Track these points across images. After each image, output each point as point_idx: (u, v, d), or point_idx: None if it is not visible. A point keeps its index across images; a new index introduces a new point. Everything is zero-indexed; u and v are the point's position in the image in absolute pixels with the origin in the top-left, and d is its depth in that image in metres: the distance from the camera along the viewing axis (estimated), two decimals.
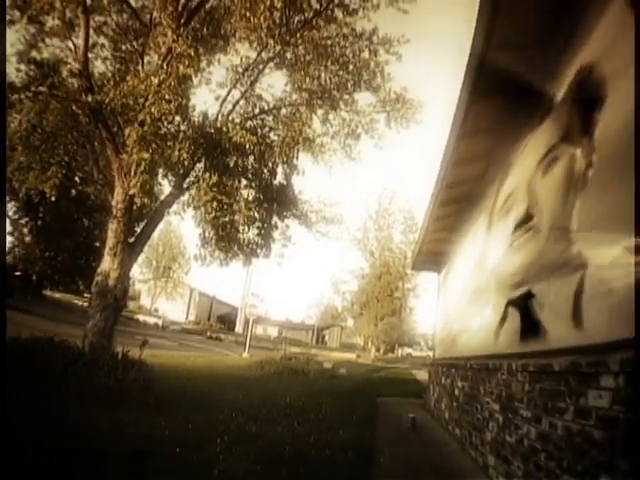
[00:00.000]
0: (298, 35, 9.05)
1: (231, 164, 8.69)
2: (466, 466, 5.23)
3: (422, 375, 17.91)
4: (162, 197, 10.27)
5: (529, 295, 4.22)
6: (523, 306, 4.42)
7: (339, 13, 9.47)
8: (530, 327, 4.24)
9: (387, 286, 46.50)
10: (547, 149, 4.10)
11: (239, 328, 55.02)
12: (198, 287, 62.55)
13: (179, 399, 7.37)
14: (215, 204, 8.54)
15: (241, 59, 10.11)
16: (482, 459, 4.97)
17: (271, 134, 9.96)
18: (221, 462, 4.29)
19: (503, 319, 5.24)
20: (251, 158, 9.26)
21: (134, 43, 10.02)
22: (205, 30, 8.84)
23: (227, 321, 61.37)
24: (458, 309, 8.39)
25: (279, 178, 10.42)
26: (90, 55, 9.52)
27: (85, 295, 32.16)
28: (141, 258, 43.09)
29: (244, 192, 10.07)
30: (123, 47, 10.48)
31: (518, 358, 4.34)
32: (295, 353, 22.88)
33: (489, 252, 6.07)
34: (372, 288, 46.24)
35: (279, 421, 6.78)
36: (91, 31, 9.27)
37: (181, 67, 7.67)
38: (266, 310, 60.99)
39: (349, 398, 10.72)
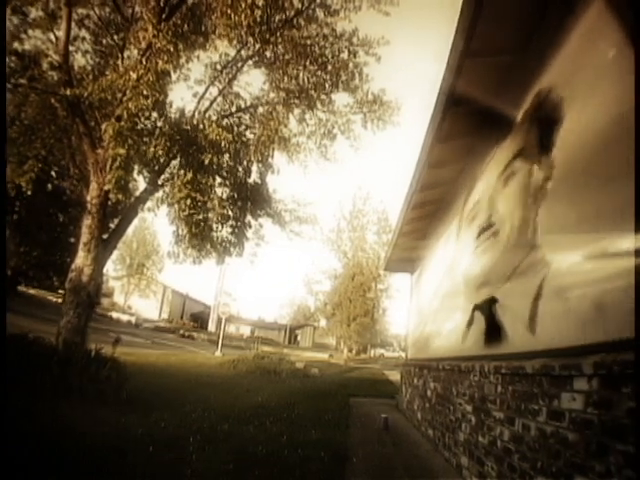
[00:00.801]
0: (278, 34, 9.06)
1: (206, 161, 8.64)
2: (439, 466, 5.28)
3: (394, 376, 18.04)
4: (137, 193, 10.17)
5: (493, 300, 4.32)
6: (488, 310, 4.52)
7: (320, 13, 9.53)
8: (495, 330, 4.37)
9: (360, 287, 46.55)
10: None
11: (212, 327, 54.67)
12: (171, 285, 62.14)
13: (152, 397, 7.36)
14: (189, 201, 8.51)
15: (220, 56, 10.10)
16: (455, 460, 5.03)
17: (247, 132, 9.97)
18: (194, 461, 4.29)
19: (470, 322, 5.35)
20: (226, 156, 9.25)
21: (115, 37, 9.88)
22: (186, 26, 8.74)
23: (200, 319, 60.89)
24: (430, 311, 8.47)
25: (254, 177, 10.43)
26: (71, 48, 9.41)
27: (59, 291, 31.59)
28: (115, 255, 42.87)
29: (218, 190, 10.06)
30: (104, 41, 10.32)
31: (490, 360, 4.40)
32: (267, 352, 22.72)
33: (459, 256, 6.17)
34: (345, 288, 46.22)
35: (251, 420, 6.80)
36: (73, 24, 9.15)
37: (160, 63, 7.60)
38: (239, 309, 60.93)
39: (322, 398, 10.78)
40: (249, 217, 10.58)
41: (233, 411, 7.32)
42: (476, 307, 5.03)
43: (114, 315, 41.80)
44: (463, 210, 5.99)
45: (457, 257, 6.23)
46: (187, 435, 5.20)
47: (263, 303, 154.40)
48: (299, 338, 67.18)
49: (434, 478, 4.92)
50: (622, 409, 2.06)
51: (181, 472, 3.97)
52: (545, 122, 3.48)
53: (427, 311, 8.81)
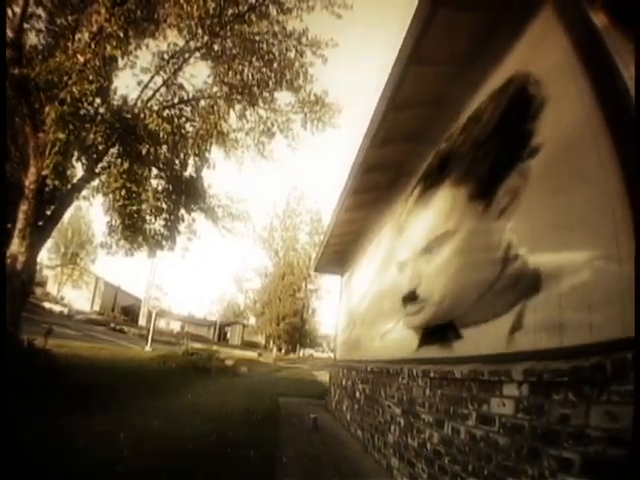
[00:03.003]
0: (228, 28, 8.98)
1: (144, 152, 8.46)
2: (370, 467, 5.34)
3: (324, 376, 18.18)
4: (74, 180, 9.69)
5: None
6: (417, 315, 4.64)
7: (273, 10, 9.51)
8: (425, 336, 4.50)
9: (290, 286, 46.70)
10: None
11: (142, 321, 52.84)
12: (104, 277, 59.53)
13: (85, 392, 7.15)
14: (124, 192, 8.40)
15: (168, 46, 9.86)
16: (385, 461, 5.11)
17: (187, 125, 9.83)
18: (125, 458, 4.24)
19: (399, 326, 5.48)
20: (164, 147, 9.10)
21: (69, 18, 9.34)
22: (139, 12, 8.41)
23: (131, 313, 58.60)
24: (359, 313, 8.59)
25: (190, 170, 10.29)
26: (25, 26, 8.81)
27: None
28: (49, 243, 40.77)
29: (154, 182, 9.96)
30: (58, 21, 9.72)
31: (418, 364, 4.51)
32: (197, 349, 22.37)
33: (394, 262, 6.22)
34: (275, 287, 46.21)
35: (181, 418, 6.75)
36: (31, 1, 8.58)
37: (109, 48, 7.40)
38: (169, 304, 59.37)
39: (251, 397, 10.73)
40: (182, 211, 10.44)
41: (163, 408, 7.25)
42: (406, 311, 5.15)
43: (47, 305, 39.65)
44: (402, 218, 6.02)
45: (392, 263, 6.31)
46: (119, 432, 5.12)
47: (194, 299, 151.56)
48: (229, 335, 66.15)
49: (365, 478, 4.98)
50: (554, 415, 2.16)
51: (113, 469, 3.91)
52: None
53: (356, 313, 8.93)
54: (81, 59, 7.18)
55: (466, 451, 3.10)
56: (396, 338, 5.66)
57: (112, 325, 41.96)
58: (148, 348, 23.88)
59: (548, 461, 2.14)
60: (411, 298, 4.95)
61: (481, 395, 3.05)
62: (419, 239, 4.92)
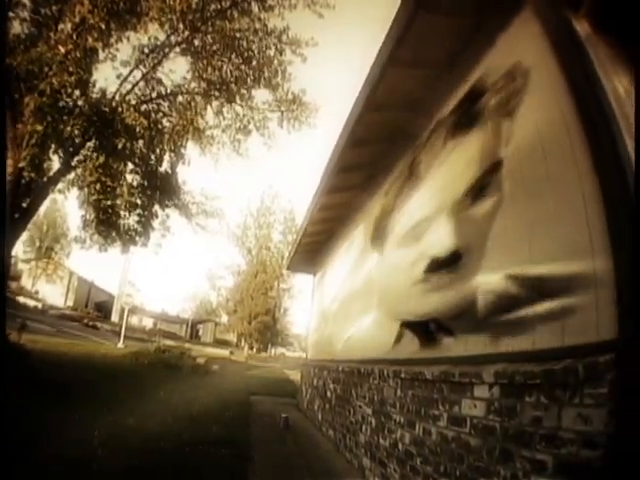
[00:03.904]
0: (210, 23, 8.97)
1: (120, 146, 8.41)
2: (342, 467, 5.34)
3: (295, 375, 18.19)
4: (50, 173, 9.50)
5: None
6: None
7: (255, 7, 9.48)
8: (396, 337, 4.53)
9: (262, 285, 46.43)
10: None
11: (115, 317, 52.03)
12: (78, 272, 58.41)
13: (59, 388, 7.01)
14: (99, 186, 8.41)
15: (149, 39, 9.79)
16: (357, 461, 5.12)
17: (164, 120, 9.81)
18: (100, 457, 4.19)
19: (371, 327, 5.50)
20: (140, 142, 9.06)
21: (53, 7, 9.16)
22: (122, 4, 8.27)
23: (104, 309, 57.85)
24: (331, 313, 8.61)
25: (165, 166, 10.25)
26: (10, 14, 8.57)
27: None
28: (24, 236, 39.66)
29: (129, 177, 9.91)
30: (43, 11, 9.49)
31: (389, 364, 4.53)
32: (169, 346, 22.24)
33: (367, 262, 6.23)
34: (247, 286, 45.88)
35: (153, 416, 6.65)
36: None
37: (90, 39, 7.36)
38: (142, 300, 58.55)
39: (223, 395, 10.64)
40: (157, 207, 10.42)
41: (136, 406, 7.17)
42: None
43: (21, 300, 39.03)
44: (384, 223, 5.80)
45: (367, 265, 6.32)
46: (91, 429, 5.06)
47: (167, 296, 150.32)
48: (201, 333, 65.71)
49: (337, 478, 4.98)
50: (527, 417, 2.19)
51: (88, 467, 3.86)
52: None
53: (328, 313, 8.94)
54: (62, 50, 7.10)
55: (438, 452, 3.12)
56: (368, 339, 5.69)
57: (85, 321, 41.51)
58: (121, 345, 23.68)
59: (521, 462, 2.16)
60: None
61: (452, 396, 3.07)
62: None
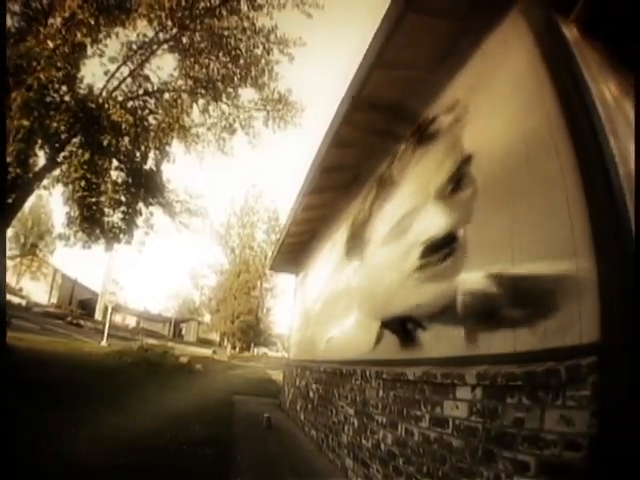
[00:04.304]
0: (198, 21, 8.99)
1: (105, 143, 8.38)
2: (325, 467, 5.33)
3: (278, 375, 18.16)
4: (36, 169, 9.39)
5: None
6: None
7: (244, 6, 9.51)
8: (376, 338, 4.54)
9: (245, 284, 46.26)
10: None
11: (98, 315, 51.34)
12: (61, 269, 57.56)
13: (45, 386, 7.05)
14: (84, 182, 8.38)
15: (138, 36, 9.79)
16: (340, 461, 5.10)
17: (150, 117, 9.79)
18: (85, 455, 4.19)
19: (353, 327, 5.51)
20: (126, 139, 9.05)
21: (44, 2, 9.08)
22: (112, 0, 8.20)
23: (88, 307, 57.01)
24: (313, 313, 8.61)
25: (150, 163, 10.23)
26: None
27: None
28: (9, 232, 39.34)
29: (114, 174, 9.94)
30: (34, 5, 9.39)
31: (371, 365, 4.54)
32: (152, 345, 22.09)
33: (351, 265, 6.21)
34: (230, 285, 45.68)
35: (135, 414, 6.64)
36: None
37: (79, 34, 7.40)
38: (125, 299, 58.09)
39: (205, 394, 10.66)
40: (141, 204, 10.39)
41: (117, 404, 7.19)
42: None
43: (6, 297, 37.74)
44: (365, 222, 5.76)
45: (347, 263, 6.32)
46: (75, 428, 5.07)
47: (150, 294, 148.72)
48: (184, 332, 65.18)
49: (320, 478, 4.98)
50: (509, 418, 2.20)
51: (70, 466, 3.83)
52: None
53: (311, 313, 8.93)
54: (51, 45, 7.11)
55: (420, 452, 3.12)
56: (350, 340, 5.69)
57: (69, 319, 40.93)
58: (104, 343, 23.43)
59: (503, 463, 2.17)
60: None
61: (434, 398, 3.07)
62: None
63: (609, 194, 1.89)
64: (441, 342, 3.23)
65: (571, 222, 2.07)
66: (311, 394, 7.40)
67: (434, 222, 3.54)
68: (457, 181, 3.22)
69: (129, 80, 10.15)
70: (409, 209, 4.17)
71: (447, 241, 3.28)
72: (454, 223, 3.21)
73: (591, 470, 1.65)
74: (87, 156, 8.30)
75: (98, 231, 9.82)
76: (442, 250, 3.33)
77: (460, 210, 3.14)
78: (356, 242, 5.94)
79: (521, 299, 2.38)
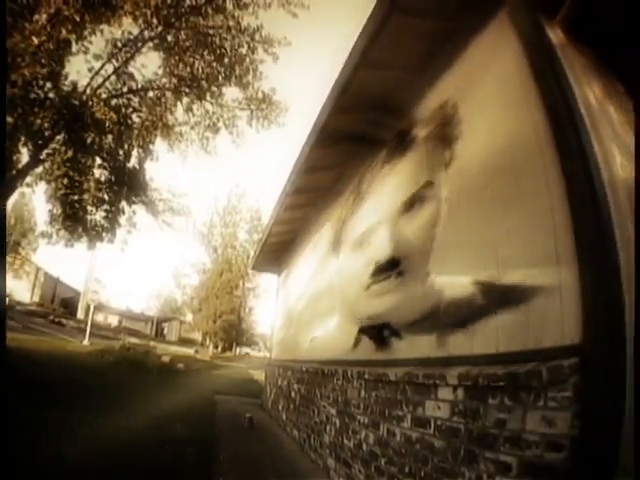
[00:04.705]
0: (183, 19, 8.98)
1: (89, 140, 8.37)
2: (307, 467, 5.32)
3: (260, 375, 18.12)
4: (19, 166, 9.27)
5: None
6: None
7: (230, 4, 9.50)
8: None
9: (227, 283, 46.00)
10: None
11: (80, 314, 50.61)
12: (44, 267, 56.56)
13: (28, 386, 6.92)
14: (66, 180, 8.36)
15: (123, 33, 9.79)
16: (322, 461, 5.09)
17: (133, 115, 9.75)
18: (71, 455, 4.17)
19: (335, 328, 5.52)
20: (109, 137, 9.04)
21: None
22: None
23: (70, 305, 56.20)
24: (295, 313, 8.61)
25: (133, 162, 10.19)
26: None
27: None
28: None
29: (96, 172, 9.92)
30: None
31: (352, 365, 4.54)
32: (134, 344, 22.01)
33: (332, 267, 6.22)
34: (212, 284, 45.38)
35: (117, 414, 6.65)
36: None
37: (64, 31, 7.37)
38: (108, 297, 57.58)
39: (187, 394, 10.68)
40: (124, 203, 10.38)
41: (99, 404, 7.21)
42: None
43: None
44: (342, 227, 5.83)
45: (327, 264, 6.32)
46: (58, 429, 5.09)
47: (132, 293, 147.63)
48: (166, 331, 64.57)
49: (302, 478, 4.97)
50: (491, 419, 2.21)
51: (58, 466, 3.83)
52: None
53: (293, 313, 8.93)
54: (35, 41, 7.10)
55: (402, 452, 3.12)
56: (332, 340, 5.68)
57: (51, 317, 40.36)
58: (86, 342, 23.12)
59: (485, 464, 2.18)
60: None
61: (416, 398, 3.08)
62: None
63: (592, 199, 1.91)
64: (414, 345, 3.26)
65: (554, 227, 2.09)
66: (293, 394, 7.38)
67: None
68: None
69: (113, 78, 10.10)
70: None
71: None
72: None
73: (573, 471, 1.67)
74: (70, 154, 8.27)
75: (81, 229, 9.78)
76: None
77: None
78: (337, 243, 5.94)
79: (503, 301, 2.39)
